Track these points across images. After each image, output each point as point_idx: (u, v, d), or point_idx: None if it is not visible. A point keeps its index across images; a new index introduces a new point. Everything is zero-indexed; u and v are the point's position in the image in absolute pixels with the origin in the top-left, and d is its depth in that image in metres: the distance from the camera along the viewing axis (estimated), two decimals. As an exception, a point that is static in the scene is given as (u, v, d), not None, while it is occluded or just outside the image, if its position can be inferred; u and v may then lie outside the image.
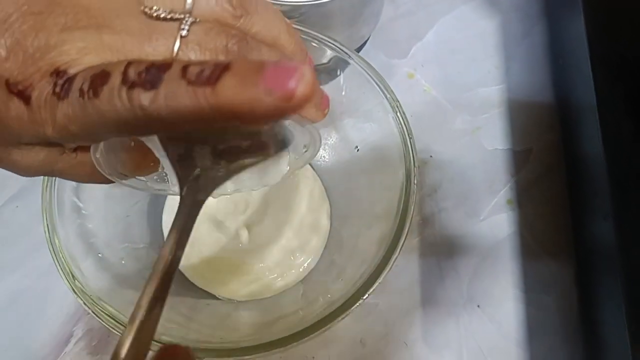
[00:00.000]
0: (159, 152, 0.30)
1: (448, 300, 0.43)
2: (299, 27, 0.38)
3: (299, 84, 0.18)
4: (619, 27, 0.41)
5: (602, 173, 0.37)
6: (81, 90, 0.20)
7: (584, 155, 0.42)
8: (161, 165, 0.30)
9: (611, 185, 0.36)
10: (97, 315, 0.32)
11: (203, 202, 0.24)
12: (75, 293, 0.32)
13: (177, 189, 0.26)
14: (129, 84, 0.19)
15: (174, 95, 0.19)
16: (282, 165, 0.31)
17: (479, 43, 0.53)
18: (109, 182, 0.28)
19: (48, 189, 0.34)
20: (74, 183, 0.36)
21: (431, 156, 0.48)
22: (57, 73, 0.21)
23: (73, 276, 0.32)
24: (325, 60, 0.39)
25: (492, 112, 0.50)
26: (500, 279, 0.44)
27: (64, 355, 0.41)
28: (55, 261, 0.33)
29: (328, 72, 0.43)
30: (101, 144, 0.26)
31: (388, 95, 0.36)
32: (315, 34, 0.38)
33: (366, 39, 0.49)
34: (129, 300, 0.35)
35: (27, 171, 0.26)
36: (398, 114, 0.35)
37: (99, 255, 0.36)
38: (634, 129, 0.38)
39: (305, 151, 0.30)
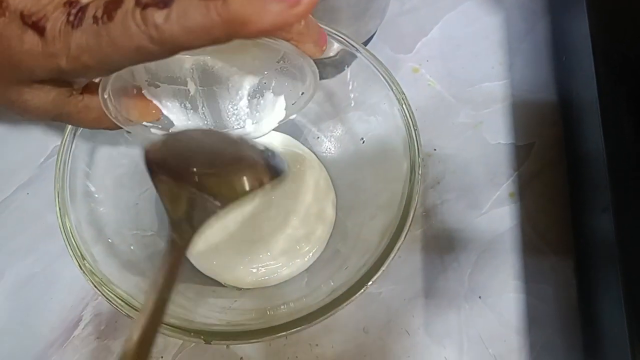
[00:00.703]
0: (161, 102, 0.30)
1: (449, 290, 0.44)
2: None
3: None
4: (622, 24, 0.42)
5: (602, 168, 0.37)
6: (95, 17, 0.21)
7: (585, 151, 0.43)
8: (163, 113, 0.31)
9: (611, 180, 0.37)
10: (105, 297, 0.32)
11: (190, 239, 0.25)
12: (85, 274, 0.33)
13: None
14: (143, 5, 0.20)
15: (186, 12, 0.19)
16: (277, 110, 0.32)
17: (483, 39, 0.54)
18: (114, 127, 0.29)
19: (60, 172, 0.35)
20: (86, 168, 0.36)
21: (435, 149, 0.48)
22: (70, 3, 0.21)
23: (83, 257, 0.33)
24: (332, 54, 0.40)
25: (495, 106, 0.50)
26: (501, 271, 0.44)
27: (73, 339, 0.42)
28: (66, 243, 0.33)
29: (335, 65, 0.43)
30: (109, 85, 0.27)
31: (394, 88, 0.36)
32: (323, 26, 0.38)
33: (372, 33, 0.50)
34: (136, 285, 0.35)
35: (36, 112, 0.26)
36: (404, 106, 0.36)
37: (109, 240, 0.37)
38: (635, 125, 0.38)
39: (302, 94, 0.30)
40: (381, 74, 0.37)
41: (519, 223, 0.46)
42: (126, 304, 0.32)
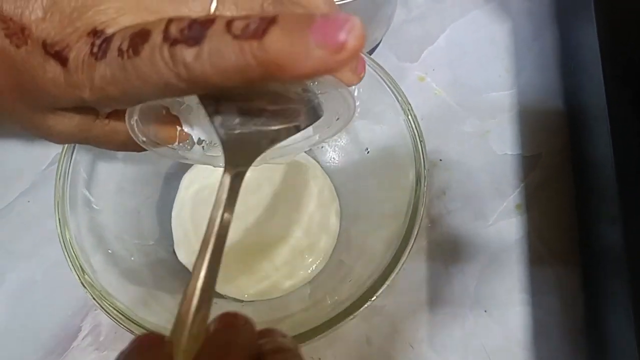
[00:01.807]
0: (195, 117, 0.30)
1: (455, 302, 0.43)
2: None
3: (349, 35, 0.17)
4: (631, 31, 0.41)
5: (611, 178, 0.37)
6: (120, 50, 0.20)
7: (593, 160, 0.42)
8: (191, 135, 0.30)
9: (620, 190, 0.36)
10: (105, 310, 0.32)
11: (244, 173, 0.24)
12: (85, 287, 0.32)
13: (209, 156, 0.26)
14: (171, 41, 0.19)
15: (218, 51, 0.18)
16: (311, 134, 0.31)
17: (490, 47, 0.53)
18: (141, 150, 0.28)
19: (61, 182, 0.34)
20: (85, 176, 0.36)
21: (440, 159, 0.48)
22: (95, 33, 0.20)
23: (83, 270, 0.33)
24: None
25: (502, 116, 0.50)
26: (507, 283, 0.44)
27: (72, 349, 0.42)
28: (66, 254, 0.33)
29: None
30: (137, 110, 0.26)
31: (399, 98, 0.36)
32: None
33: (378, 41, 0.49)
34: (137, 296, 0.35)
35: (60, 137, 0.26)
36: (409, 116, 0.35)
37: (109, 250, 0.36)
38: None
39: (337, 119, 0.29)
40: (386, 83, 0.36)
41: (525, 234, 0.45)
42: (126, 317, 0.32)
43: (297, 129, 0.26)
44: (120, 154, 0.39)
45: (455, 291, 0.44)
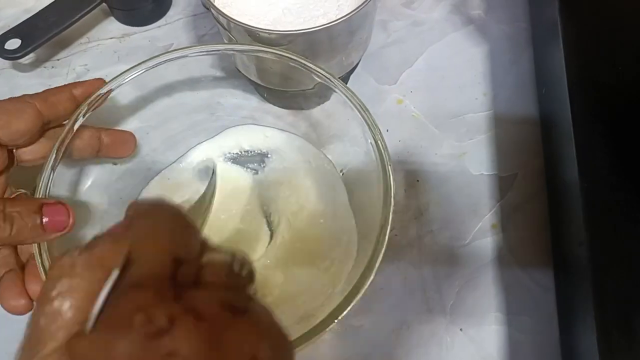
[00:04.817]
0: None
1: (431, 322, 0.44)
2: (287, 54, 0.39)
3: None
4: (596, 59, 0.43)
5: (578, 200, 0.38)
6: None
7: (562, 183, 0.43)
8: None
9: (586, 213, 0.37)
10: None
11: None
12: None
13: None
14: None
15: None
16: None
17: (467, 70, 0.54)
18: None
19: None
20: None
21: (418, 180, 0.49)
22: None
23: None
24: (310, 87, 0.40)
25: (479, 137, 0.51)
26: (483, 302, 0.44)
27: None
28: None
29: (318, 95, 0.44)
30: None
31: (368, 122, 0.37)
32: (303, 61, 0.39)
33: (355, 64, 0.50)
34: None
35: None
36: (379, 142, 0.36)
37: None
38: (610, 158, 0.39)
39: None
40: (356, 107, 0.37)
41: (501, 254, 0.46)
42: None
43: None
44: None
45: (432, 311, 0.44)
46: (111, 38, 0.58)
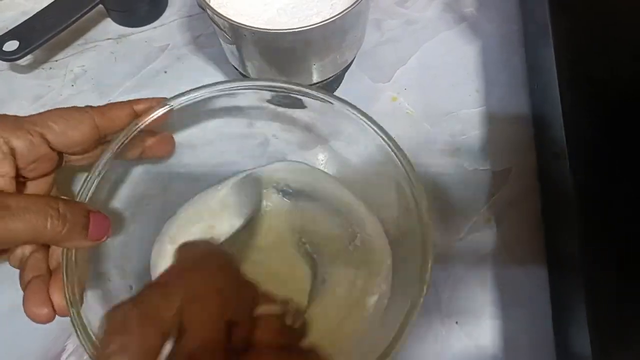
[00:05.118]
0: None
1: (427, 316, 0.44)
2: (284, 84, 0.39)
3: None
4: (586, 55, 0.43)
5: (571, 196, 0.38)
6: None
7: (555, 178, 0.44)
8: None
9: (578, 208, 0.38)
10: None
11: None
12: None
13: None
14: None
15: None
16: None
17: (461, 67, 0.55)
18: None
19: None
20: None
21: (412, 176, 0.49)
22: None
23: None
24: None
25: (473, 133, 0.51)
26: (478, 296, 0.45)
27: (56, 369, 0.43)
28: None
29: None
30: None
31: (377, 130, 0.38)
32: (297, 88, 0.39)
33: (349, 62, 0.51)
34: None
35: None
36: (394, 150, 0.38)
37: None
38: (601, 153, 0.39)
39: None
40: (360, 118, 0.38)
41: (495, 248, 0.47)
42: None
43: None
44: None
45: (427, 304, 0.44)
46: (108, 39, 0.59)
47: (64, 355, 0.43)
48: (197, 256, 0.23)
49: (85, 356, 0.43)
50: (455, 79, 0.54)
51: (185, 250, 0.24)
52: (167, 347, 0.20)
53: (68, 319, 0.43)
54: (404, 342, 0.31)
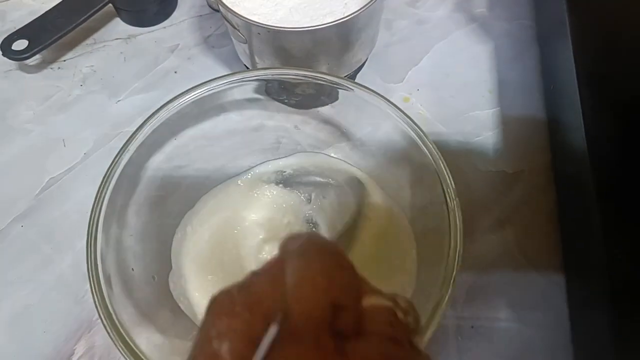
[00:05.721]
0: None
1: (442, 319, 0.44)
2: (309, 72, 0.39)
3: None
4: (605, 55, 0.43)
5: (591, 195, 0.38)
6: None
7: (572, 178, 0.43)
8: None
9: (599, 205, 0.37)
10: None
11: None
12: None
13: None
14: None
15: None
16: None
17: (473, 68, 0.55)
18: None
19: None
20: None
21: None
22: None
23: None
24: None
25: (485, 134, 0.51)
26: (493, 298, 0.44)
27: (66, 372, 0.42)
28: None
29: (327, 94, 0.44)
30: None
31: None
32: (329, 77, 0.39)
33: (362, 62, 0.51)
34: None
35: None
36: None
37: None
38: (621, 150, 0.39)
39: None
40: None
41: (509, 249, 0.46)
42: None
43: None
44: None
45: (442, 307, 0.44)
46: (117, 39, 0.58)
47: (74, 358, 0.43)
48: (302, 245, 0.22)
49: (96, 358, 0.43)
50: (467, 79, 0.54)
51: (290, 241, 0.23)
52: (272, 332, 0.19)
53: (77, 321, 0.43)
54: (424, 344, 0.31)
